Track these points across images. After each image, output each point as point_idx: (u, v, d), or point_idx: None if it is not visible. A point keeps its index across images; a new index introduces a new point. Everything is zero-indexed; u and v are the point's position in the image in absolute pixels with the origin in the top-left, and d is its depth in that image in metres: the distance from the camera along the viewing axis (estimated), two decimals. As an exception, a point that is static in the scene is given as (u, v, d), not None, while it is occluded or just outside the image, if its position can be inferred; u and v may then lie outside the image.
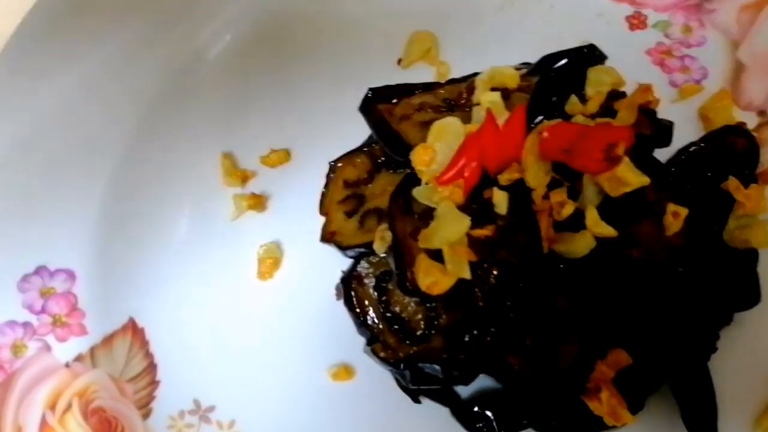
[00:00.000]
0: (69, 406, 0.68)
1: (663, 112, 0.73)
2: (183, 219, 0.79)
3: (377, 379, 0.72)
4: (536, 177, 0.62)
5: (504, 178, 0.62)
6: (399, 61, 0.86)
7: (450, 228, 0.61)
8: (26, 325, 0.71)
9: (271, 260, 0.78)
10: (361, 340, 0.70)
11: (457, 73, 0.84)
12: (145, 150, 0.80)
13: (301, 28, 0.86)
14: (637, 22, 0.83)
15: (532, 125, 0.64)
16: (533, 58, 0.82)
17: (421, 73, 0.85)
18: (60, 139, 0.77)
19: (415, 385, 0.67)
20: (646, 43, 0.83)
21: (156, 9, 0.82)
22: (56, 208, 0.75)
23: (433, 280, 0.59)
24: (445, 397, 0.71)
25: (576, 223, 0.62)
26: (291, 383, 0.74)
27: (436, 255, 0.61)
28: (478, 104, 0.68)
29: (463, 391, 0.71)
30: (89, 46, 0.80)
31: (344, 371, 0.74)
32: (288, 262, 0.79)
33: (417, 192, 0.63)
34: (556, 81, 0.67)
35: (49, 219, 0.75)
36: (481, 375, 0.67)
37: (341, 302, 0.72)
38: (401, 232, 0.63)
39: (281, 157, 0.82)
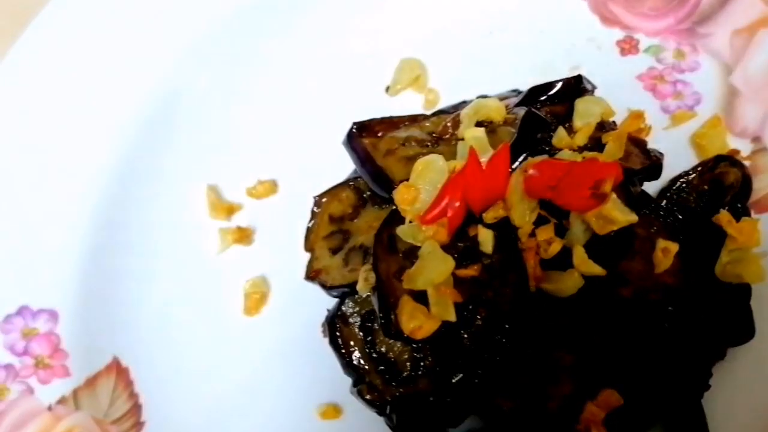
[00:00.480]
0: (52, 451, 0.67)
1: (655, 139, 0.73)
2: (169, 253, 0.78)
3: (365, 418, 0.70)
4: (522, 215, 0.61)
5: (489, 217, 0.61)
6: (387, 89, 0.84)
7: (434, 269, 0.59)
8: (8, 367, 0.70)
9: (257, 295, 0.77)
10: (349, 379, 0.68)
11: (446, 99, 0.83)
12: (129, 184, 0.78)
13: (288, 55, 0.85)
14: (628, 46, 0.82)
15: (518, 162, 0.63)
16: (523, 85, 0.81)
17: (409, 100, 0.84)
18: (42, 176, 0.76)
19: (401, 428, 0.65)
20: (638, 68, 0.82)
21: (140, 39, 0.81)
22: (38, 246, 0.74)
23: (417, 324, 0.58)
24: (433, 437, 0.69)
25: (564, 260, 0.61)
26: (279, 422, 0.73)
27: (421, 295, 0.60)
28: (463, 139, 0.67)
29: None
30: (72, 79, 0.79)
31: (332, 410, 0.73)
32: (275, 297, 0.78)
33: (401, 231, 0.62)
34: (540, 117, 0.66)
35: (32, 258, 0.74)
36: (470, 416, 0.66)
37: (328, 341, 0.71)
38: (385, 272, 0.62)
39: (267, 188, 0.81)
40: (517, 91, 0.78)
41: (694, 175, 0.72)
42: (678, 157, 0.75)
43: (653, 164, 0.67)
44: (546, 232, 0.61)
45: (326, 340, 0.72)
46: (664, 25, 0.82)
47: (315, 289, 0.74)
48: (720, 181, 0.71)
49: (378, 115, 0.74)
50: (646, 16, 0.82)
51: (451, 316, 0.58)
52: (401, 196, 0.62)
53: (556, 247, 0.60)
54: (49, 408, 0.69)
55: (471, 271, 0.61)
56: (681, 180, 0.73)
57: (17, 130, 0.78)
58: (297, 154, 0.82)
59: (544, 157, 0.63)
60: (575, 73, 0.74)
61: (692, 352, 0.65)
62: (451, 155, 0.65)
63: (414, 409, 0.64)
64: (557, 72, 0.82)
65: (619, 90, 0.76)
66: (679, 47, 0.81)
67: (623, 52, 0.82)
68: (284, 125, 0.84)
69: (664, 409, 0.66)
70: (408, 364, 0.65)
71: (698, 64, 0.81)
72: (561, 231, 0.61)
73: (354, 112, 0.75)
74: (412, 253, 0.62)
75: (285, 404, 0.73)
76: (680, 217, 0.71)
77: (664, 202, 0.72)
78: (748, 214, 0.69)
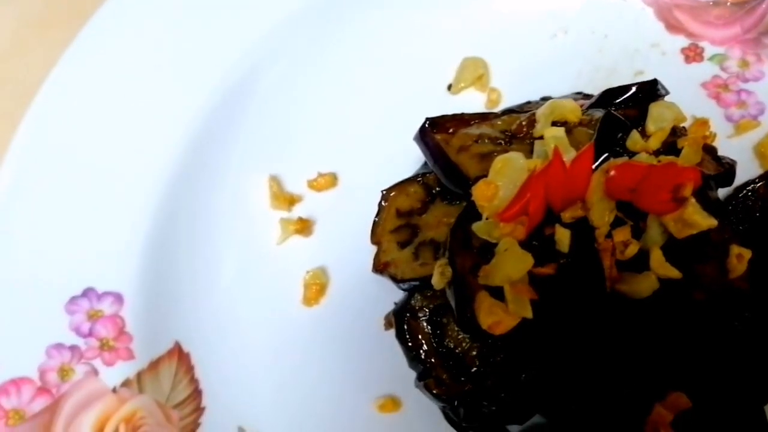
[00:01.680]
0: (116, 432, 0.67)
1: (719, 148, 0.73)
2: (230, 243, 0.79)
3: (424, 411, 0.71)
4: (601, 216, 0.61)
5: (567, 216, 0.61)
6: (449, 87, 0.85)
7: (512, 266, 0.60)
8: (73, 348, 0.70)
9: (316, 286, 0.77)
10: (408, 372, 0.69)
11: (508, 100, 0.84)
12: (193, 172, 0.79)
13: (351, 52, 0.85)
14: (693, 54, 0.82)
15: (597, 163, 0.63)
16: (586, 88, 0.82)
17: (471, 99, 0.84)
18: (109, 161, 0.77)
19: (468, 422, 0.66)
20: (702, 76, 0.82)
21: (207, 32, 0.82)
22: (105, 230, 0.74)
23: (496, 319, 0.58)
24: (496, 433, 0.70)
25: (639, 263, 0.61)
26: (337, 413, 0.73)
27: (496, 292, 0.60)
28: (539, 138, 0.67)
29: (514, 427, 0.70)
30: (140, 67, 0.80)
31: (391, 403, 0.73)
32: (334, 289, 0.78)
33: (477, 227, 0.62)
34: (619, 119, 0.66)
35: (98, 241, 0.74)
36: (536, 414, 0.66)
37: (389, 332, 0.71)
38: (461, 268, 0.62)
39: (328, 181, 0.82)
40: (581, 94, 0.79)
41: (760, 183, 0.73)
42: (742, 166, 0.75)
43: (726, 170, 0.67)
44: (623, 234, 0.61)
45: (384, 334, 0.72)
46: (730, 34, 0.82)
47: (373, 282, 0.74)
48: (788, 191, 0.71)
49: (439, 113, 0.74)
50: (712, 24, 0.82)
51: (529, 313, 0.59)
52: (480, 192, 0.62)
53: (633, 248, 0.60)
54: (114, 390, 0.69)
55: (547, 270, 0.61)
56: (747, 188, 0.73)
57: (87, 115, 0.78)
58: (357, 148, 0.83)
59: (625, 158, 0.63)
60: (639, 79, 0.75)
61: (759, 359, 0.65)
62: (526, 154, 0.66)
63: (481, 404, 0.64)
64: (621, 76, 0.82)
65: (683, 97, 0.75)
66: (744, 57, 0.82)
67: (687, 59, 0.83)
68: (345, 120, 0.84)
69: (729, 414, 0.66)
70: (476, 360, 0.65)
71: (762, 74, 0.81)
72: (637, 233, 0.62)
73: (415, 109, 0.75)
74: (487, 250, 0.62)
75: (342, 395, 0.74)
76: (745, 224, 0.71)
77: (730, 209, 0.72)
78: (818, 226, 0.70)
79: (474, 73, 0.84)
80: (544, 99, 0.78)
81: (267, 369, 0.75)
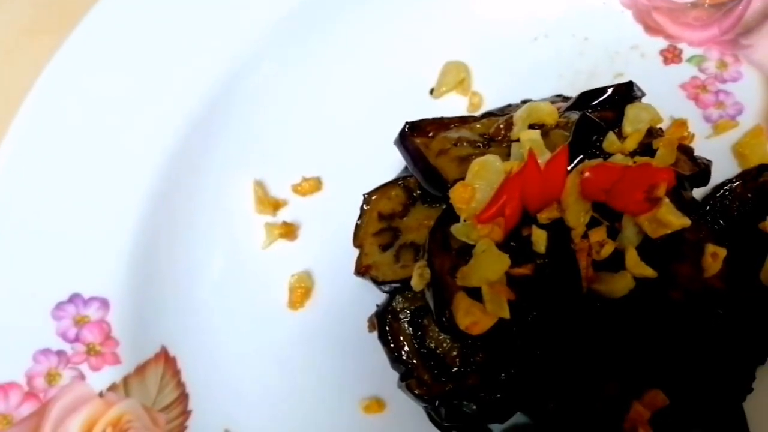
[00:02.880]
0: (103, 436, 0.68)
1: (697, 148, 0.73)
2: (215, 247, 0.79)
3: (409, 412, 0.71)
4: (576, 217, 0.62)
5: (543, 217, 0.62)
6: (431, 91, 0.86)
7: (490, 267, 0.60)
8: (60, 353, 0.71)
9: (302, 289, 0.78)
10: (393, 373, 0.69)
11: (490, 103, 0.84)
12: (178, 178, 0.79)
13: (335, 57, 0.86)
14: (671, 56, 0.83)
15: (574, 164, 0.64)
16: (566, 90, 0.82)
17: (453, 103, 0.85)
18: (95, 167, 0.78)
19: (449, 422, 0.67)
20: (681, 77, 0.83)
21: (192, 38, 0.83)
22: (90, 236, 0.75)
23: (474, 320, 0.59)
24: (478, 433, 0.70)
25: (615, 262, 0.62)
26: (322, 414, 0.74)
27: (474, 293, 0.61)
28: (516, 140, 0.68)
29: (497, 426, 0.70)
30: (126, 73, 0.81)
31: (376, 404, 0.74)
32: (319, 292, 0.79)
33: (455, 229, 0.63)
34: (595, 121, 0.67)
35: (84, 247, 0.75)
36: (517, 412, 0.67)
37: (373, 334, 0.72)
38: (440, 269, 0.63)
39: (313, 185, 0.83)
40: (561, 97, 0.79)
41: (737, 183, 0.74)
42: (720, 166, 0.76)
43: (702, 170, 0.68)
44: (599, 234, 0.62)
45: (369, 336, 0.73)
46: (708, 36, 0.83)
47: (358, 284, 0.75)
48: (764, 190, 0.72)
49: (422, 117, 0.75)
50: (690, 26, 0.83)
51: (506, 314, 0.60)
52: (458, 194, 0.63)
53: (608, 248, 0.61)
54: (101, 394, 0.70)
55: (524, 270, 0.62)
56: (724, 188, 0.74)
57: (74, 122, 0.79)
58: (341, 153, 0.84)
59: (599, 160, 0.64)
60: (618, 81, 0.75)
61: (736, 356, 0.66)
62: (503, 156, 0.67)
63: (462, 404, 0.65)
64: (601, 79, 0.83)
65: (661, 98, 0.76)
66: (722, 58, 0.83)
67: (666, 61, 0.84)
68: (330, 125, 0.85)
69: (708, 410, 0.67)
70: (457, 359, 0.66)
71: (740, 75, 0.82)
72: (612, 233, 0.62)
73: (398, 113, 0.76)
74: (465, 251, 0.63)
75: (328, 397, 0.74)
76: (722, 223, 0.72)
77: (707, 208, 0.73)
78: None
79: (456, 77, 0.85)
80: (525, 102, 0.79)
81: (253, 372, 0.76)
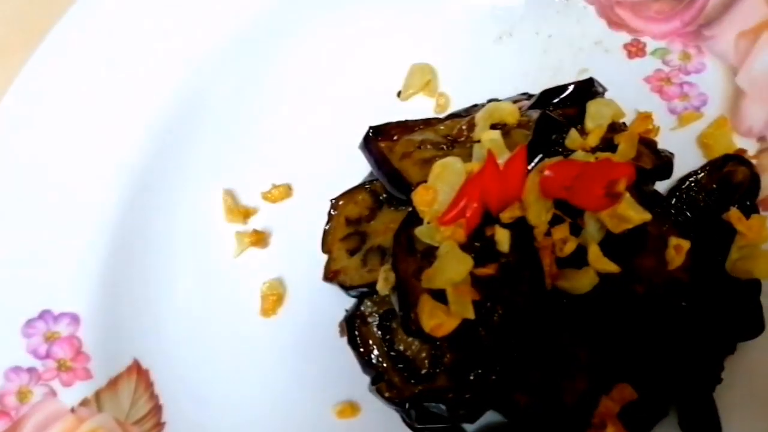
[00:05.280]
0: (75, 452, 0.68)
1: (662, 140, 0.74)
2: (186, 258, 0.79)
3: (383, 416, 0.71)
4: (538, 215, 0.62)
5: (506, 217, 0.62)
6: (398, 94, 0.86)
7: (453, 268, 0.61)
8: (31, 370, 0.71)
9: (274, 297, 0.78)
10: (366, 377, 0.70)
11: (457, 104, 0.85)
12: (146, 191, 0.79)
13: (300, 62, 0.86)
14: (635, 49, 0.84)
15: (533, 163, 0.64)
16: (532, 88, 0.82)
17: (420, 105, 0.85)
18: (62, 180, 0.78)
19: (421, 424, 0.67)
20: (645, 70, 0.83)
21: (157, 48, 0.83)
22: (59, 251, 0.75)
23: (438, 321, 0.59)
24: (451, 434, 0.71)
25: (579, 259, 0.62)
26: (296, 421, 0.74)
27: (439, 294, 0.61)
28: (478, 141, 0.68)
29: (470, 427, 0.71)
30: (92, 85, 0.81)
31: (349, 408, 0.74)
32: (291, 299, 0.79)
33: (419, 231, 0.63)
34: (554, 119, 0.67)
35: (53, 263, 0.75)
36: (487, 411, 0.67)
37: (345, 339, 0.72)
38: (404, 272, 0.63)
39: (282, 192, 0.83)
40: (527, 95, 0.80)
41: (702, 174, 0.74)
42: (685, 157, 0.77)
43: (664, 164, 0.68)
44: (561, 231, 0.62)
45: (342, 340, 0.73)
46: (671, 28, 0.83)
47: (330, 290, 0.75)
48: (728, 180, 0.72)
49: (390, 120, 0.75)
50: (653, 19, 0.84)
51: (470, 314, 0.60)
52: (420, 197, 0.64)
53: (571, 245, 0.62)
54: (72, 410, 0.70)
55: (488, 270, 0.62)
56: (690, 179, 0.74)
57: (40, 135, 0.79)
58: (311, 158, 0.84)
59: (559, 158, 0.64)
60: (584, 77, 0.76)
61: (704, 347, 0.66)
62: (466, 157, 0.67)
63: (431, 405, 0.65)
64: (565, 75, 0.83)
65: (626, 92, 0.77)
66: (685, 50, 0.83)
67: (630, 54, 0.84)
68: (298, 131, 0.85)
69: (677, 402, 0.67)
70: (426, 361, 0.66)
71: (704, 66, 0.82)
72: (576, 230, 0.63)
73: (366, 116, 0.76)
74: (430, 253, 0.63)
75: (302, 404, 0.74)
76: (689, 215, 0.72)
77: (674, 200, 0.74)
78: (757, 211, 0.71)
79: (422, 79, 0.85)
80: (491, 101, 0.79)
81: (227, 381, 0.75)
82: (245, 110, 0.85)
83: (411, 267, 0.64)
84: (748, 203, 0.71)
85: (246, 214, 0.82)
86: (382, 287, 0.64)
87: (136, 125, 0.81)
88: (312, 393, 0.75)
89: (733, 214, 0.67)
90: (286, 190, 0.83)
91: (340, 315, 0.74)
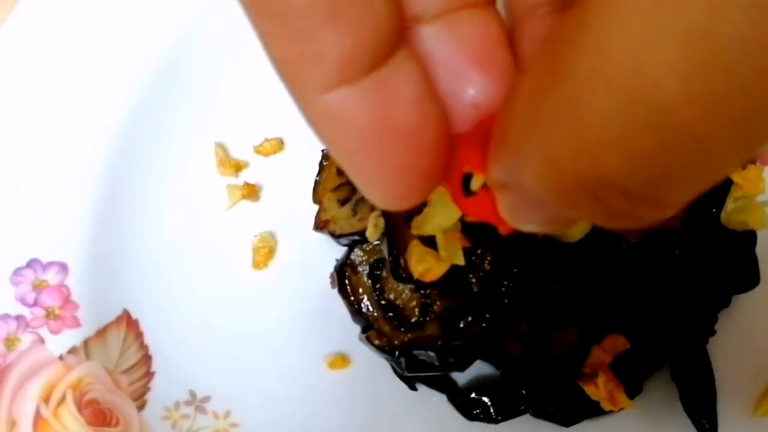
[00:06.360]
0: (63, 399, 0.68)
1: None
2: (177, 209, 0.78)
3: (374, 367, 0.71)
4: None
5: (497, 163, 0.62)
6: (392, 47, 0.84)
7: (443, 215, 0.59)
8: (19, 318, 0.70)
9: (265, 249, 0.78)
10: (357, 329, 0.69)
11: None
12: (137, 142, 0.79)
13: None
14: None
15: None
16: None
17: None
18: (50, 131, 0.77)
19: (411, 372, 0.66)
20: None
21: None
22: (48, 200, 0.74)
23: (427, 266, 0.59)
24: (441, 383, 0.70)
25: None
26: (287, 372, 0.73)
27: (430, 241, 0.60)
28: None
29: (460, 377, 0.70)
30: (77, 35, 0.80)
31: (340, 360, 0.73)
32: (283, 252, 0.78)
33: (409, 178, 0.63)
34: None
35: (41, 212, 0.74)
36: (478, 361, 0.67)
37: (336, 291, 0.72)
38: (394, 218, 0.63)
39: (274, 146, 0.82)
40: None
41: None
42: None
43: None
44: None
45: (334, 292, 0.73)
46: None
47: (322, 242, 0.74)
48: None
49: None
50: None
51: (460, 260, 0.59)
52: (410, 142, 0.63)
53: (563, 192, 0.61)
54: (60, 357, 0.69)
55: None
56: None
57: (22, 87, 0.78)
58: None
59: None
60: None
61: (698, 299, 0.66)
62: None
63: (419, 353, 0.65)
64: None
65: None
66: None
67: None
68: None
69: (670, 354, 0.67)
70: (416, 310, 0.66)
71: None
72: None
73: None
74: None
75: (293, 355, 0.74)
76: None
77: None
78: (753, 163, 0.70)
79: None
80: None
81: (218, 333, 0.75)
82: (237, 63, 0.84)
83: (401, 214, 0.63)
84: (744, 154, 0.70)
85: (238, 167, 0.81)
86: (372, 233, 0.64)
87: (126, 76, 0.80)
88: (303, 344, 0.74)
89: (729, 164, 0.66)
90: (278, 144, 0.82)
91: (331, 266, 0.73)
